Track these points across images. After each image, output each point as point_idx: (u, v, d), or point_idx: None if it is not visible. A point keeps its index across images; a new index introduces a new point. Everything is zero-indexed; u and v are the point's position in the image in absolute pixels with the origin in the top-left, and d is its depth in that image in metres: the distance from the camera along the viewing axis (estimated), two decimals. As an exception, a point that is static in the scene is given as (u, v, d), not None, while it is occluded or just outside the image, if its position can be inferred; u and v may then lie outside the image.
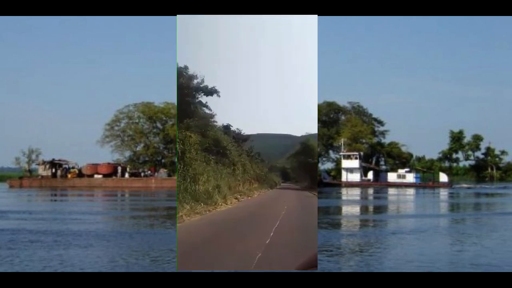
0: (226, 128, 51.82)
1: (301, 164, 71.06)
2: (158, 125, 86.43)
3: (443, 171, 76.20)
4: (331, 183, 67.09)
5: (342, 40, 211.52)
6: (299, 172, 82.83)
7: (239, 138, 57.09)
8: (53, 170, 70.80)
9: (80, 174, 69.25)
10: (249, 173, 46.99)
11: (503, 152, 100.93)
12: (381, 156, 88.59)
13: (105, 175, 67.84)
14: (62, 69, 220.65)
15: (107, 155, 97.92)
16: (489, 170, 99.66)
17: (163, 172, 70.38)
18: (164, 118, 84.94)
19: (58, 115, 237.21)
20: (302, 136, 73.63)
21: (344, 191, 55.56)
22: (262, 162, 76.66)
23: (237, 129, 58.81)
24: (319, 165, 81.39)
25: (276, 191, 52.67)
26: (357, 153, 69.33)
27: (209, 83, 36.63)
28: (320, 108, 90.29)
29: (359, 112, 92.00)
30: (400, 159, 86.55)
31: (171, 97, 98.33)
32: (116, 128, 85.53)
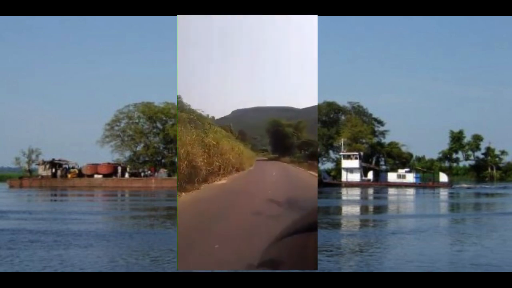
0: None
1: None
2: (158, 125, 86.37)
3: (443, 171, 76.14)
4: (331, 183, 67.05)
5: (342, 40, 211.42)
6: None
7: None
8: (53, 170, 70.77)
9: (80, 174, 69.22)
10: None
11: (503, 152, 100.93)
12: (381, 156, 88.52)
13: (105, 175, 67.81)
14: (62, 69, 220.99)
15: (107, 155, 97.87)
16: (489, 170, 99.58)
17: (163, 172, 70.34)
18: (164, 118, 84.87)
19: (58, 115, 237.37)
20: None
21: (344, 191, 55.56)
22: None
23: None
24: (319, 165, 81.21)
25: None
26: (357, 153, 69.26)
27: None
28: (320, 108, 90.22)
29: (359, 112, 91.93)
30: (400, 159, 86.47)
31: (171, 97, 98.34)
32: (116, 128, 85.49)
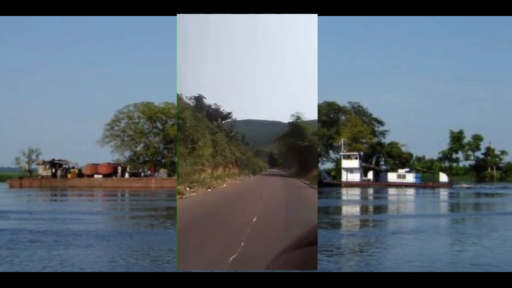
0: (198, 100, 41.71)
1: (289, 147, 64.74)
2: (158, 125, 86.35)
3: (443, 171, 76.11)
4: (331, 183, 67.02)
5: (342, 40, 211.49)
6: (287, 157, 76.62)
7: (216, 115, 47.56)
8: (53, 170, 70.76)
9: (80, 174, 69.21)
10: (225, 156, 39.55)
11: (503, 152, 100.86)
12: (381, 156, 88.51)
13: (105, 175, 67.79)
14: (62, 69, 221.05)
15: (107, 155, 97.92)
16: (489, 170, 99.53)
17: (163, 172, 70.32)
18: (164, 118, 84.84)
19: (58, 115, 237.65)
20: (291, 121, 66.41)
21: (344, 191, 55.55)
22: (246, 145, 69.59)
23: (215, 104, 48.41)
24: (319, 165, 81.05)
25: (258, 178, 46.55)
26: (357, 153, 69.24)
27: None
28: (320, 108, 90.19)
29: (359, 112, 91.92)
30: (400, 159, 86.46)
31: (171, 97, 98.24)
32: (116, 128, 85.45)
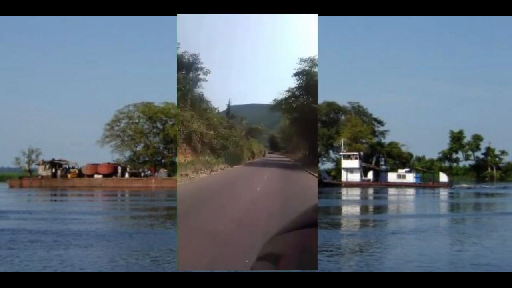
0: None
1: (296, 117, 37.54)
2: (158, 125, 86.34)
3: (443, 171, 76.11)
4: (331, 183, 67.00)
5: (342, 40, 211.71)
6: (291, 134, 49.18)
7: (182, 62, 29.78)
8: (53, 170, 70.76)
9: (80, 174, 69.19)
10: (180, 132, 24.23)
11: (503, 152, 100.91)
12: (381, 156, 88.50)
13: (105, 175, 67.77)
14: (62, 69, 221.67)
15: (107, 155, 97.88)
16: (489, 170, 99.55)
17: (163, 172, 70.30)
18: (164, 118, 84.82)
19: (58, 115, 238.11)
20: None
21: (344, 191, 55.53)
22: (232, 118, 50.25)
23: (178, 43, 32.87)
24: (319, 165, 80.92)
25: (238, 172, 28.86)
26: (357, 153, 69.20)
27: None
28: (320, 108, 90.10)
29: (359, 112, 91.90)
30: (400, 159, 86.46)
31: (171, 97, 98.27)
32: (116, 128, 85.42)
